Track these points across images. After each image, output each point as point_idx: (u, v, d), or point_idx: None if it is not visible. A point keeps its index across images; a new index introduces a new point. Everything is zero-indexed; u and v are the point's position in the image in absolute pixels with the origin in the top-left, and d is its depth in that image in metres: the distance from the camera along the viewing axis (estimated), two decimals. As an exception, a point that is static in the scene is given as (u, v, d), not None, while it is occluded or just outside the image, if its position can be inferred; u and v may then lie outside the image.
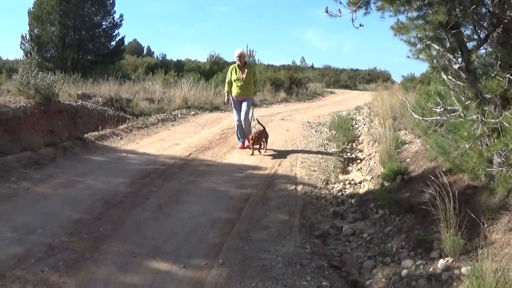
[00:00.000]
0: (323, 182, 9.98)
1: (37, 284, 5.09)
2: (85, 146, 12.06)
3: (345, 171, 11.44)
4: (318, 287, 5.39)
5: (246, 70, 12.92)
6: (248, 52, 39.03)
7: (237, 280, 5.46)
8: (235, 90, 12.97)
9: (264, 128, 12.99)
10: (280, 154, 12.60)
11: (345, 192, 9.47)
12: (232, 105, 13.33)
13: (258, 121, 13.19)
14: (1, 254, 5.74)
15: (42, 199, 7.90)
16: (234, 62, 13.05)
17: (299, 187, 9.42)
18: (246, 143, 13.10)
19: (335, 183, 10.08)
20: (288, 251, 6.32)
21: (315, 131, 16.77)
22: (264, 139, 12.80)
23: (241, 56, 12.91)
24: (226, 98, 13.63)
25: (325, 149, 13.44)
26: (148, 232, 6.73)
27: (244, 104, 12.93)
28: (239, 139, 13.22)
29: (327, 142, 14.56)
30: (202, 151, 12.39)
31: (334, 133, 15.96)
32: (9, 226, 6.59)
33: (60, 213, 7.29)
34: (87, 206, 7.66)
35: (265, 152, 12.62)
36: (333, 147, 13.70)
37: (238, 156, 12.11)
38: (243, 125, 12.96)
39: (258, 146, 12.57)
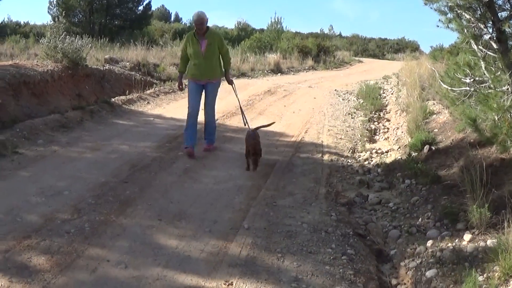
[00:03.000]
0: (349, 151, 9.95)
1: (63, 245, 5.15)
2: (112, 110, 12.14)
3: (372, 140, 11.37)
4: (343, 254, 5.38)
5: (207, 40, 8.58)
6: (276, 20, 37.96)
7: (262, 246, 5.47)
8: (191, 70, 8.82)
9: (255, 128, 8.77)
10: (307, 122, 12.55)
11: (372, 161, 9.42)
12: (188, 88, 9.12)
13: (244, 116, 9.15)
14: (27, 215, 5.83)
15: (69, 162, 7.98)
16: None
17: (326, 155, 9.40)
18: (205, 145, 9.26)
19: (361, 152, 10.03)
20: (314, 218, 6.32)
21: (343, 99, 16.68)
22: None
23: (201, 23, 8.49)
24: (178, 82, 9.62)
25: (352, 118, 13.35)
26: (174, 196, 6.78)
27: (209, 94, 8.97)
28: (187, 141, 8.83)
29: (355, 110, 14.48)
30: (229, 117, 12.38)
31: (361, 101, 15.84)
32: (36, 188, 6.67)
33: (86, 176, 7.37)
34: (114, 169, 7.73)
35: (255, 170, 8.15)
36: (360, 116, 13.62)
37: (265, 122, 12.04)
38: (207, 122, 9.16)
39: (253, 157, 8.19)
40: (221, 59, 8.97)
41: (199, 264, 5.00)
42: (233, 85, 9.30)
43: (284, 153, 9.33)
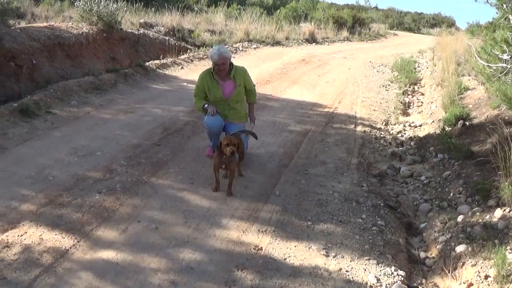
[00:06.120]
0: (383, 123, 9.86)
1: (94, 204, 5.25)
2: (146, 74, 12.16)
3: (406, 113, 11.24)
4: (373, 225, 5.38)
5: (234, 82, 6.87)
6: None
7: (292, 212, 5.49)
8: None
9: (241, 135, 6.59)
10: (341, 92, 12.46)
11: (405, 134, 9.34)
12: (209, 111, 6.63)
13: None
14: (60, 174, 5.93)
15: (102, 123, 8.06)
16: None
17: (359, 126, 9.33)
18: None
19: (395, 124, 9.94)
20: (345, 187, 6.32)
21: (377, 71, 16.50)
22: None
23: (223, 62, 6.63)
24: (210, 112, 6.62)
25: (386, 90, 13.22)
26: (206, 160, 6.81)
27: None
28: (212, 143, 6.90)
29: (389, 83, 14.31)
30: (263, 84, 12.33)
31: (396, 74, 15.65)
32: (68, 148, 6.78)
33: (119, 137, 7.45)
34: (147, 132, 7.79)
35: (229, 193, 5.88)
36: (395, 88, 13.47)
37: (298, 91, 12.02)
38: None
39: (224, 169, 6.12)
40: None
41: (229, 228, 5.04)
42: (251, 124, 7.21)
43: (317, 123, 9.27)
